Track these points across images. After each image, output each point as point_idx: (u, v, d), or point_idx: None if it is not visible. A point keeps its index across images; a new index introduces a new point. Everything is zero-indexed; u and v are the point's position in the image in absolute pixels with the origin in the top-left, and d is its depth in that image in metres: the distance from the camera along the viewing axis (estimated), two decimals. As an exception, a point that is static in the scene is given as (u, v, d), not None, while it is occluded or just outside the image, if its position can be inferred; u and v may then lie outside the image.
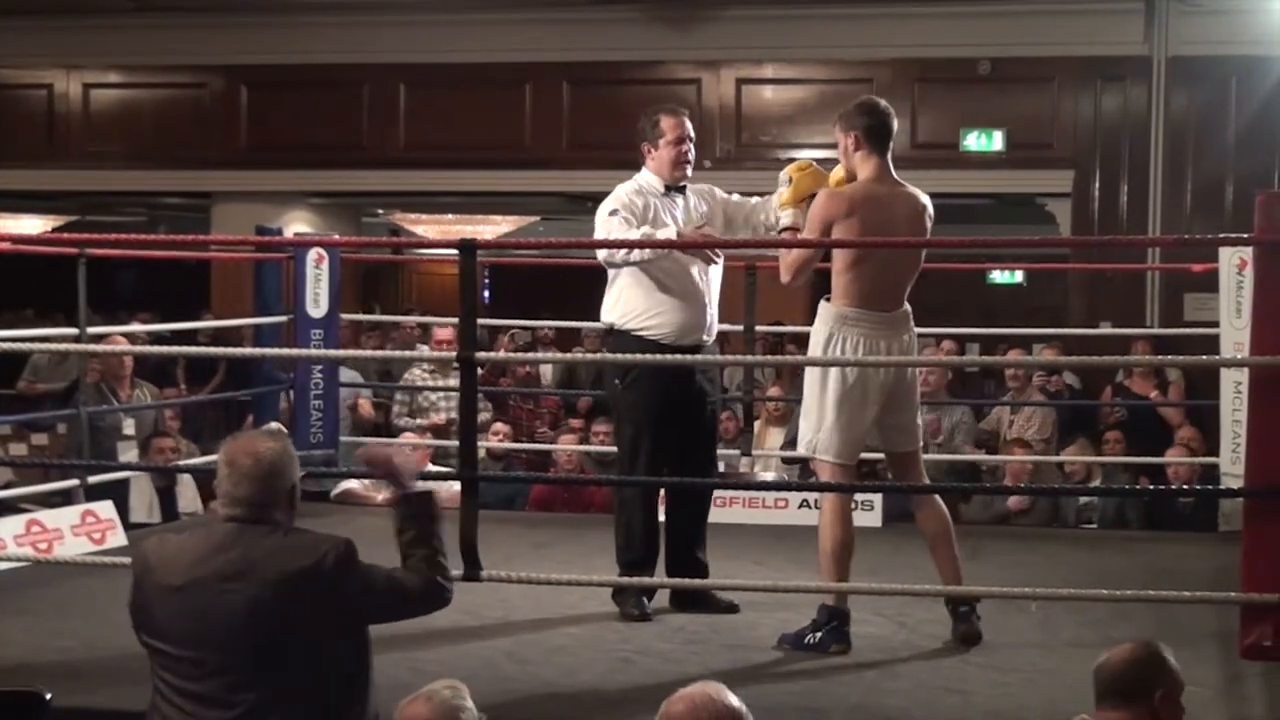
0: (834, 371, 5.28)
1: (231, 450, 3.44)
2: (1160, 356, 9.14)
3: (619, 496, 5.95)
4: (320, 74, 13.08)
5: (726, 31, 12.46)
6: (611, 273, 5.79)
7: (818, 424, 5.31)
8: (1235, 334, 7.10)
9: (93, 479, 7.16)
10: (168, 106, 13.69)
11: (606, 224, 5.67)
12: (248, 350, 8.23)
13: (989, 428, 9.60)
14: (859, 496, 7.46)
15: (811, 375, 5.39)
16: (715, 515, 6.29)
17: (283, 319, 8.33)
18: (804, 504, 7.38)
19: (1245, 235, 5.68)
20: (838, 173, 5.51)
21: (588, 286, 6.45)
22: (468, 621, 5.50)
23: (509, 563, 5.64)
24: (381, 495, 8.35)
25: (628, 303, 5.76)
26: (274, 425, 8.38)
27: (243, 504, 3.38)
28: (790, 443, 8.64)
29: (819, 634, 5.25)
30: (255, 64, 13.25)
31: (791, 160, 5.91)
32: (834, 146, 5.53)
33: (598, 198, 5.87)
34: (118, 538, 6.81)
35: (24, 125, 13.87)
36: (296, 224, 13.47)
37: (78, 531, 6.69)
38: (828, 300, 5.37)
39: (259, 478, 3.38)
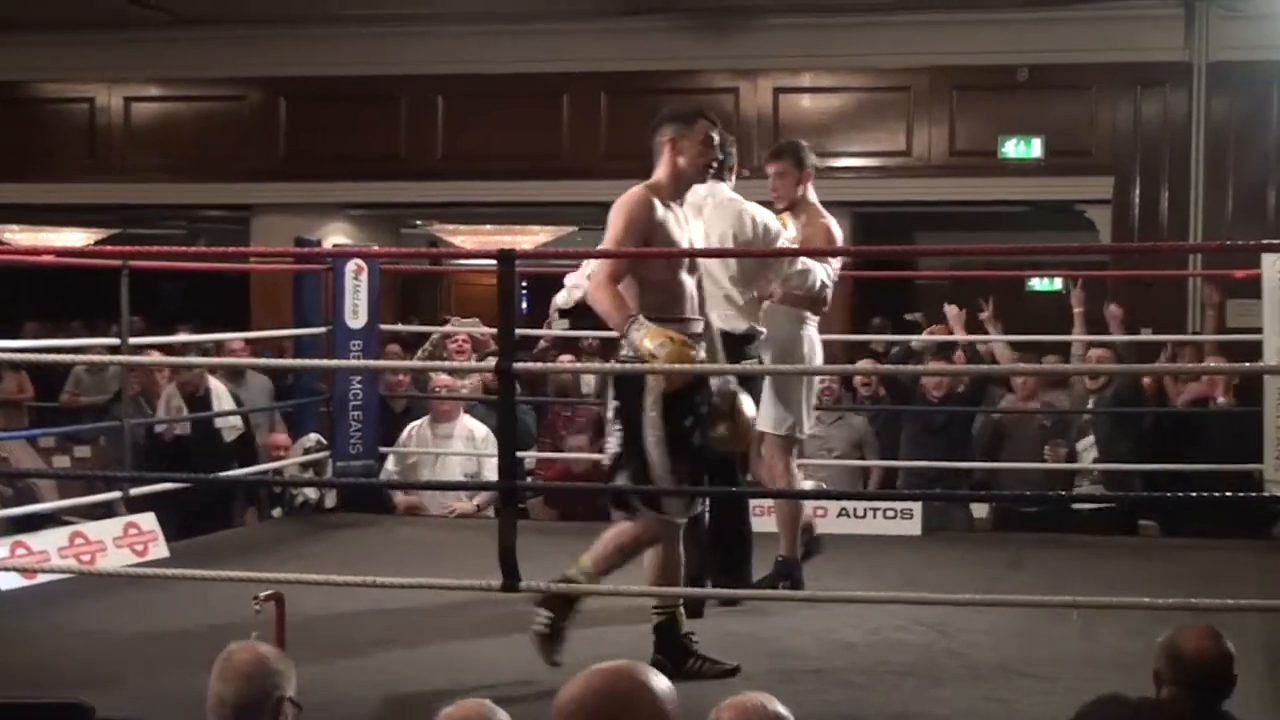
0: (813, 363, 6.13)
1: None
2: (1202, 364, 9.05)
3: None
4: (358, 86, 13.14)
5: (764, 40, 12.45)
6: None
7: (799, 408, 6.04)
8: (1278, 340, 7.05)
9: (134, 491, 7.20)
10: (207, 119, 13.78)
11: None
12: (287, 362, 8.26)
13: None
14: (899, 505, 7.45)
15: (795, 368, 6.05)
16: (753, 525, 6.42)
17: (322, 330, 8.34)
18: (842, 513, 7.36)
19: (1288, 241, 5.66)
20: (779, 218, 6.13)
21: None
22: (506, 631, 5.50)
23: (548, 573, 5.62)
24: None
25: None
26: (314, 436, 8.41)
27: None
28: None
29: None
30: (294, 76, 13.33)
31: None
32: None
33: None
34: (159, 549, 6.85)
35: (66, 139, 14.00)
36: (335, 235, 13.52)
37: (120, 543, 6.72)
38: (776, 303, 6.04)
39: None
